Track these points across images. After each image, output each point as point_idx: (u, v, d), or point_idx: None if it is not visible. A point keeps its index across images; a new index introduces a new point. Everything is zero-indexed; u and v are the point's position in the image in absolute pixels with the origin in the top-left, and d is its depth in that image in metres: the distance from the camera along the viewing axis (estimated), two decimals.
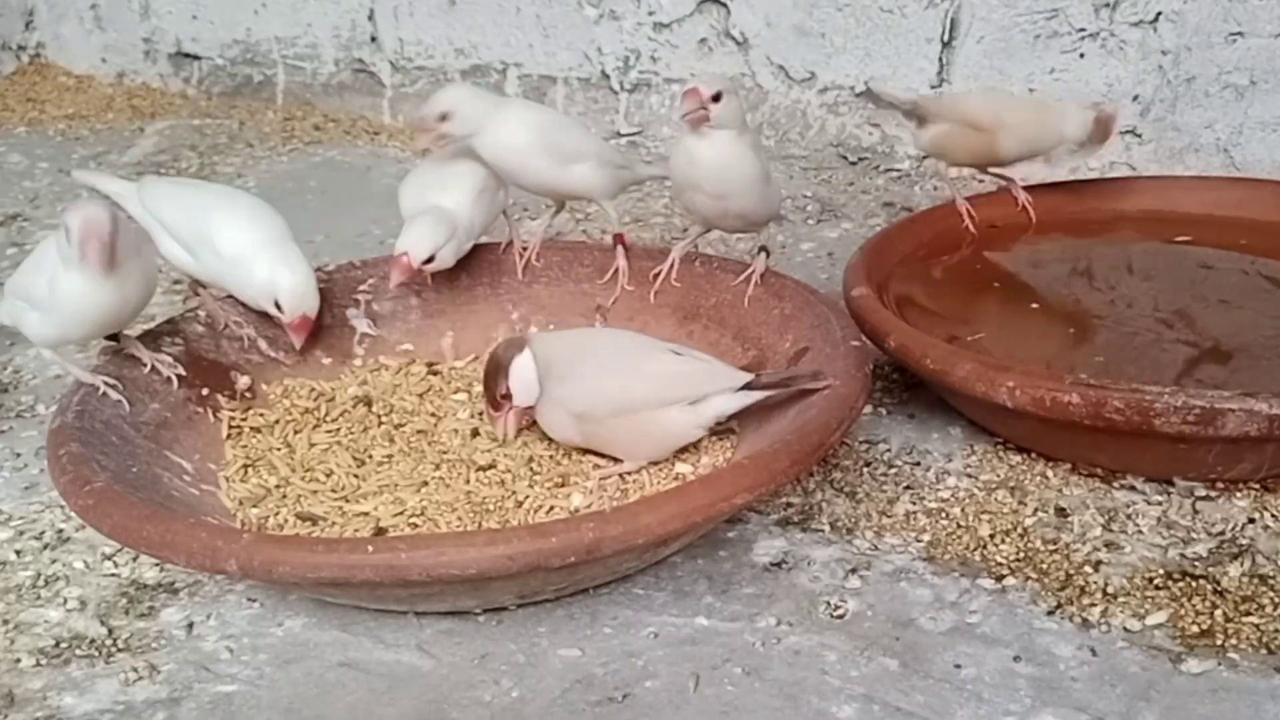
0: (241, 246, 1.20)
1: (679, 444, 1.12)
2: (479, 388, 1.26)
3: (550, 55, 2.14)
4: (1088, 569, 1.03)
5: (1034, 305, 1.34)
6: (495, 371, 1.13)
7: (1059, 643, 0.95)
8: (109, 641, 0.99)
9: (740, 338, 1.24)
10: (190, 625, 1.01)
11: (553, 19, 2.12)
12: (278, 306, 1.21)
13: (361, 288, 1.34)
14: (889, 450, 1.21)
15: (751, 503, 1.02)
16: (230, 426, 1.19)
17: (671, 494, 0.93)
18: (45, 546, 1.12)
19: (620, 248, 1.32)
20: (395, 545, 0.88)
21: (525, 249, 1.36)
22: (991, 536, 1.07)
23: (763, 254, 1.26)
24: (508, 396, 1.13)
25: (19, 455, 1.27)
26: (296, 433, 1.20)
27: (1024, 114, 1.42)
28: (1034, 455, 1.18)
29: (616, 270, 1.32)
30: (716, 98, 1.14)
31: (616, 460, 1.12)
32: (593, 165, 1.28)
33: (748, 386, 1.08)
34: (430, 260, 1.23)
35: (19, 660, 0.97)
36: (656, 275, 1.30)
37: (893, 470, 1.18)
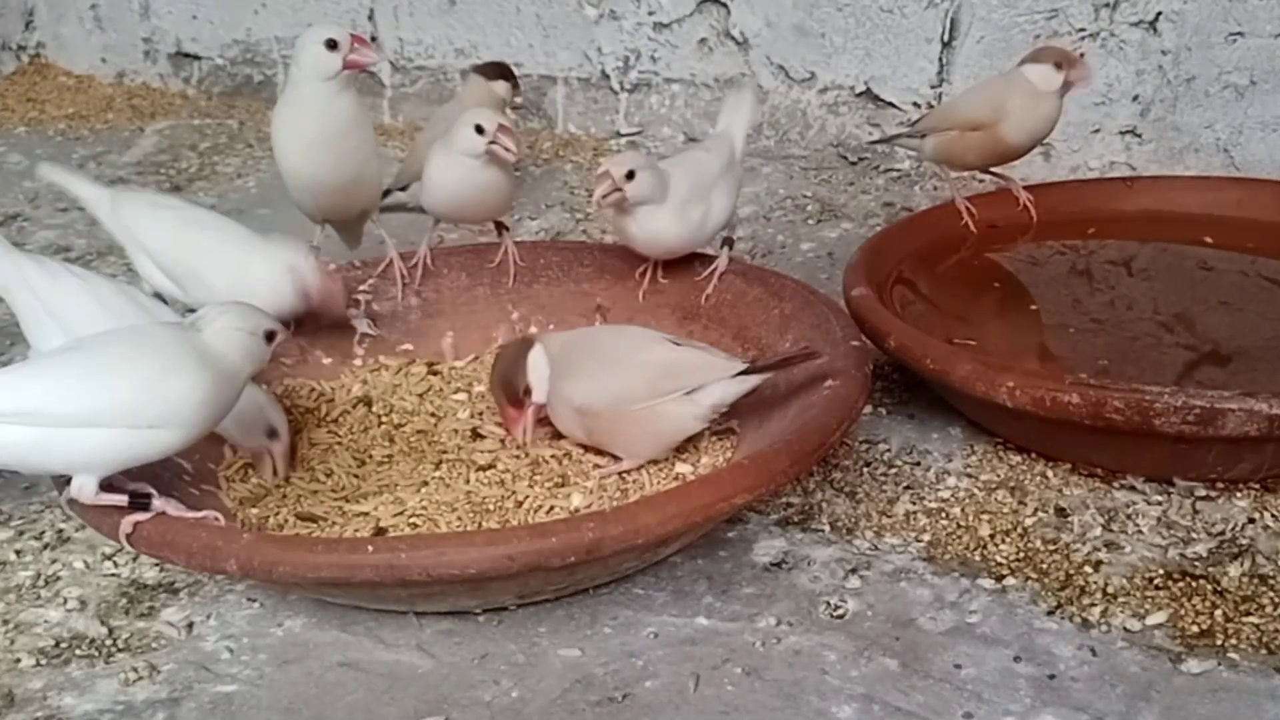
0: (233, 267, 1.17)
1: (679, 437, 1.12)
2: (479, 388, 1.26)
3: (550, 55, 2.14)
4: (1088, 569, 1.02)
5: (1033, 306, 1.34)
6: (513, 370, 1.13)
7: (1059, 643, 0.95)
8: (109, 641, 0.99)
9: (740, 337, 1.24)
10: (190, 625, 1.01)
11: (553, 19, 2.11)
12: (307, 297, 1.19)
13: (361, 288, 1.34)
14: (889, 450, 1.21)
15: (751, 503, 1.02)
16: None
17: (671, 494, 0.93)
18: (45, 546, 1.12)
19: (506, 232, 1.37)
20: (395, 545, 0.88)
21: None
22: (991, 536, 1.07)
23: (725, 248, 1.28)
24: (529, 392, 1.13)
25: None
26: (296, 433, 1.20)
27: (1019, 100, 1.38)
28: (1034, 455, 1.18)
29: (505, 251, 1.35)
30: (630, 176, 1.16)
31: (618, 459, 1.12)
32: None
33: (744, 373, 1.08)
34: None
35: (19, 660, 0.97)
36: (643, 274, 1.31)
37: (893, 470, 1.17)
